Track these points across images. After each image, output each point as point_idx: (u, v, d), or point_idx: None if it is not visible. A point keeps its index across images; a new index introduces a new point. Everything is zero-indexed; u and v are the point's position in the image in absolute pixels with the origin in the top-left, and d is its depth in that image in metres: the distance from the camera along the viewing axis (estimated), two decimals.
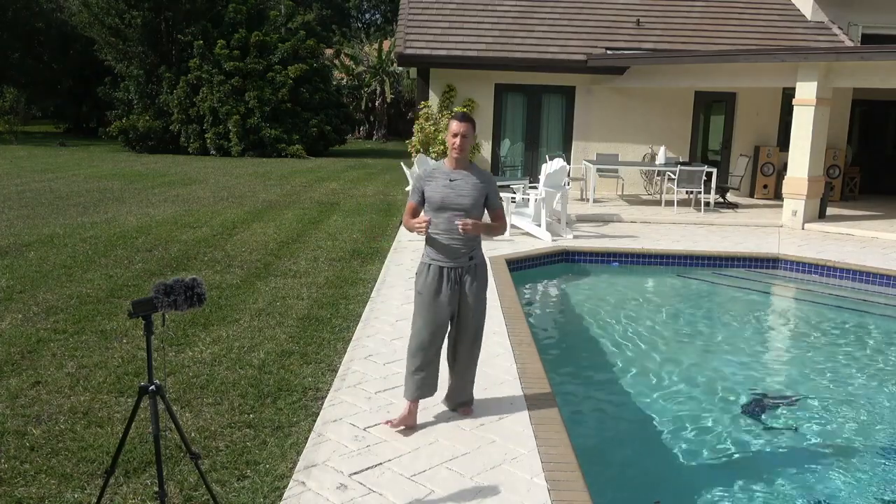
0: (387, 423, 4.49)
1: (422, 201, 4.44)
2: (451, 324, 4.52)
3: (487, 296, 4.64)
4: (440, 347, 4.51)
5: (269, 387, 5.19)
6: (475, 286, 4.46)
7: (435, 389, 4.59)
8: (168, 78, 26.96)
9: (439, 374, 4.62)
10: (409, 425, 4.48)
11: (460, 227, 4.25)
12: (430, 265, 4.42)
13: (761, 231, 12.21)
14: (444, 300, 4.40)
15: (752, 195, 16.20)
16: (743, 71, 13.51)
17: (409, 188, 4.77)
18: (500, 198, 4.56)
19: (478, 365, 4.75)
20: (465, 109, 15.06)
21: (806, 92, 12.41)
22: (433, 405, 4.80)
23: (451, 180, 4.37)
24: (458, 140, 4.33)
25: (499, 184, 12.05)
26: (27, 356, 5.69)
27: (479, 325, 4.55)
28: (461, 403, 4.73)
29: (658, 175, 15.41)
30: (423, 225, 4.24)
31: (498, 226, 4.54)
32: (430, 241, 4.44)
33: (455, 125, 4.33)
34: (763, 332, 7.80)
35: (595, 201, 14.48)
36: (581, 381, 6.22)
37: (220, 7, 28.03)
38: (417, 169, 4.78)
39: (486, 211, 4.54)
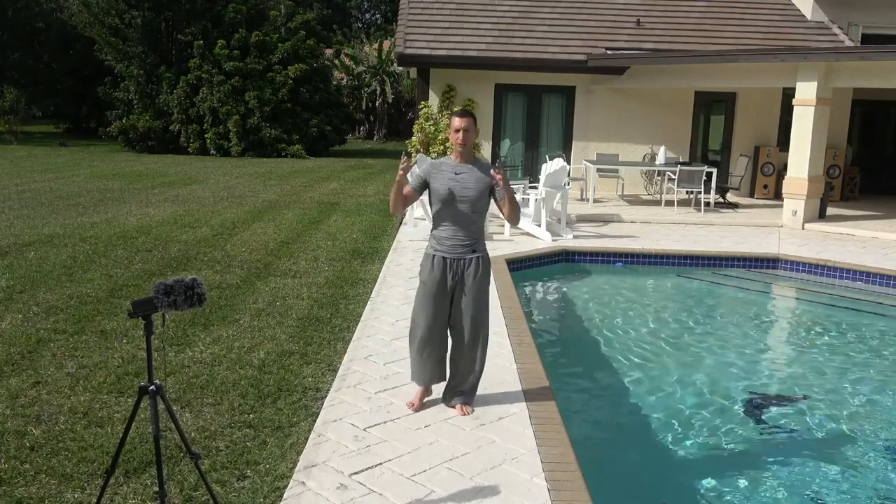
0: (411, 406, 4.74)
1: (419, 189, 4.62)
2: (450, 315, 4.66)
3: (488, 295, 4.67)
4: (445, 336, 4.67)
5: (269, 387, 5.19)
6: (477, 278, 4.57)
7: (445, 376, 4.79)
8: (168, 78, 26.95)
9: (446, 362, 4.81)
10: (423, 401, 4.80)
11: (496, 176, 4.40)
12: (433, 256, 4.59)
13: (761, 231, 12.21)
14: (447, 290, 4.57)
15: (752, 195, 16.20)
16: (743, 71, 13.50)
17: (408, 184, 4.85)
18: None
19: (484, 363, 4.76)
20: (466, 107, 15.05)
21: (806, 92, 12.41)
22: (433, 405, 4.81)
23: (456, 174, 4.53)
24: (460, 135, 4.52)
25: None
26: (27, 356, 5.69)
27: (480, 318, 4.62)
28: (459, 396, 4.73)
29: (658, 175, 15.40)
30: (405, 166, 4.38)
31: (516, 208, 4.62)
32: (434, 234, 4.62)
33: (456, 121, 4.53)
34: (763, 332, 7.80)
35: (595, 201, 14.48)
36: (581, 380, 6.22)
37: (220, 7, 28.01)
38: (417, 169, 4.79)
39: (492, 203, 4.71)
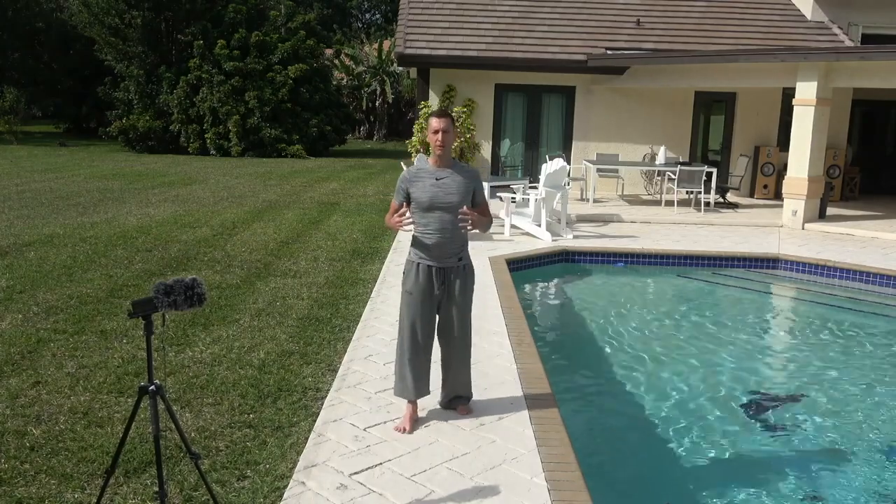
0: (402, 430, 4.44)
1: (405, 202, 4.44)
2: (438, 322, 4.56)
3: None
4: (432, 345, 4.56)
5: (269, 387, 5.19)
6: (465, 287, 4.49)
7: (429, 388, 4.64)
8: (168, 78, 26.95)
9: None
10: (414, 421, 4.53)
11: (467, 220, 4.25)
12: (419, 264, 4.41)
13: (761, 231, 12.21)
14: (434, 299, 4.44)
15: (752, 195, 16.19)
16: (743, 71, 13.51)
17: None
18: (484, 193, 4.57)
19: (472, 364, 4.76)
20: (465, 109, 15.07)
21: (806, 92, 12.41)
22: (433, 405, 4.80)
23: (437, 179, 4.35)
24: (439, 136, 4.32)
25: (499, 184, 12.09)
26: (27, 356, 5.69)
27: (468, 323, 4.59)
28: (459, 399, 4.72)
29: (658, 175, 15.41)
30: (403, 220, 4.28)
31: (488, 220, 4.50)
32: (417, 242, 4.43)
33: (434, 122, 4.34)
34: (763, 332, 7.80)
35: (595, 201, 14.48)
36: (581, 380, 6.22)
37: (220, 7, 28.01)
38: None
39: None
